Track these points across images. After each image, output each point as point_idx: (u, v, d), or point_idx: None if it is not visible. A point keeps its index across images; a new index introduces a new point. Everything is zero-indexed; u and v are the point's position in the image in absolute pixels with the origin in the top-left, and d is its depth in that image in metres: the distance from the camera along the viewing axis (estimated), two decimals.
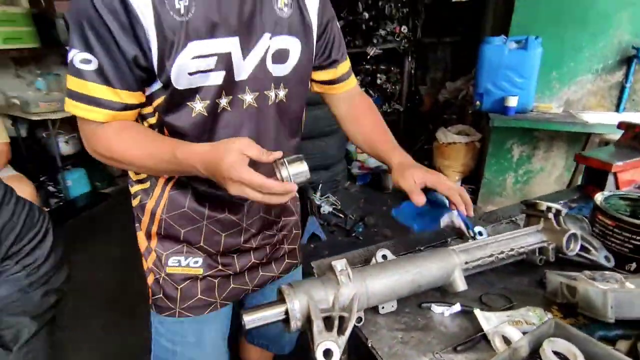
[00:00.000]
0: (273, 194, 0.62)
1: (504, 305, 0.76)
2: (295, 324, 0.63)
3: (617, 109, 2.65)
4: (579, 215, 0.93)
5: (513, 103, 2.57)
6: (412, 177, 0.78)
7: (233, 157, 0.61)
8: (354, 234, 2.93)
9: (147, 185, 0.85)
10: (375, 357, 0.66)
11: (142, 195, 0.86)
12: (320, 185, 3.39)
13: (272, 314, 0.63)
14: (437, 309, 0.75)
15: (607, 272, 0.71)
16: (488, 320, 0.70)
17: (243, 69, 0.73)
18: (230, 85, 0.73)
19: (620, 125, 1.27)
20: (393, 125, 4.21)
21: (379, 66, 4.10)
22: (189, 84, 0.69)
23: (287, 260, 1.02)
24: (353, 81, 0.99)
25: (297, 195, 0.99)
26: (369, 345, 0.68)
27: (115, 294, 2.39)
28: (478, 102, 2.77)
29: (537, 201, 0.89)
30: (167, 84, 0.69)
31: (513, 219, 1.10)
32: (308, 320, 0.62)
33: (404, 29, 3.75)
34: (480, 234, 0.91)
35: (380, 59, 4.00)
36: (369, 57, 3.89)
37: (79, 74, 0.65)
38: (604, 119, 2.47)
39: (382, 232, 2.97)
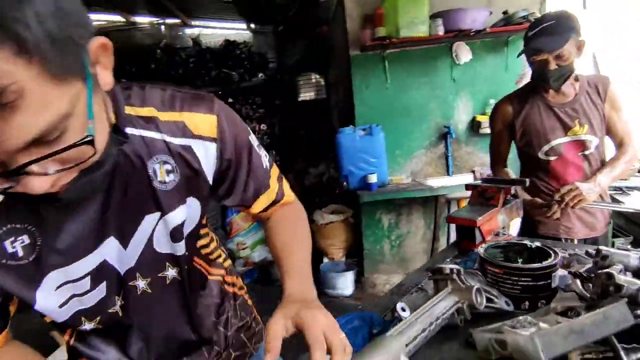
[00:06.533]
0: None
1: None
2: None
3: (448, 173, 3.28)
4: (471, 270, 1.05)
5: (374, 179, 2.92)
6: (277, 321, 0.64)
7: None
8: None
9: None
10: None
11: None
12: None
13: None
14: None
15: (520, 318, 0.78)
16: None
17: None
18: None
19: (468, 187, 1.55)
20: None
21: None
22: None
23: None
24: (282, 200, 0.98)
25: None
26: None
27: None
28: (345, 183, 3.06)
29: (442, 266, 0.97)
30: None
31: (420, 286, 1.16)
32: None
33: (263, 126, 4.03)
34: (403, 309, 0.92)
35: None
36: None
37: None
38: (442, 182, 3.03)
39: None
